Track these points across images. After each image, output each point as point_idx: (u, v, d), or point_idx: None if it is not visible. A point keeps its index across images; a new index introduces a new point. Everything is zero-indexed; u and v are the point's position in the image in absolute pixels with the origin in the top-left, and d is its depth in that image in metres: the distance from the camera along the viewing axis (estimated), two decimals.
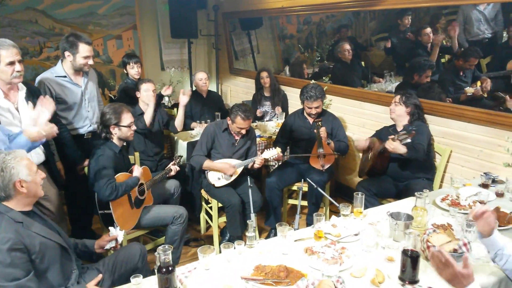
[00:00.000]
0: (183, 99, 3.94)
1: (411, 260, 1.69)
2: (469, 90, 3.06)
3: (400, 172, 3.24)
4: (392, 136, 3.02)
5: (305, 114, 3.73)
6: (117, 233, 2.30)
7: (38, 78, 3.08)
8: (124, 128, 2.87)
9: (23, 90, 2.64)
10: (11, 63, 2.46)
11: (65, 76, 3.10)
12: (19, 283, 1.70)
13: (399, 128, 3.29)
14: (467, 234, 2.01)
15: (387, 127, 3.46)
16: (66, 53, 3.05)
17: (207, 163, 3.37)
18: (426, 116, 3.37)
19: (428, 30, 3.29)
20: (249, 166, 3.41)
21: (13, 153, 1.84)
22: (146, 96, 3.72)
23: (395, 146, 2.97)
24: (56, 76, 3.08)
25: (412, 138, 2.92)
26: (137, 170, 2.89)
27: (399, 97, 3.27)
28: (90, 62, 3.12)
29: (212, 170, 3.40)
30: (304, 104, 3.65)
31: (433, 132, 3.36)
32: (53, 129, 2.34)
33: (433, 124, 3.35)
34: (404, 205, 2.50)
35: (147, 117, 3.66)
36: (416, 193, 2.22)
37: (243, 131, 3.35)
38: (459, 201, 2.45)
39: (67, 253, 1.99)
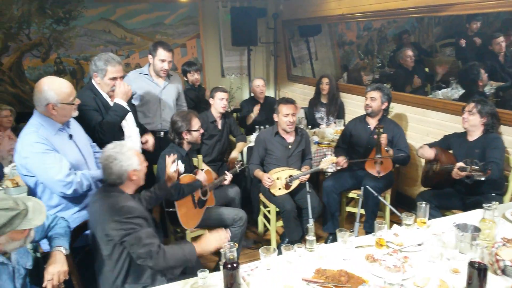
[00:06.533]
0: None
1: (478, 272, 1.64)
2: None
3: (468, 188, 3.00)
4: (462, 166, 2.71)
5: (366, 119, 3.69)
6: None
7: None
8: (194, 132, 3.07)
9: None
10: (114, 79, 2.78)
11: (147, 74, 3.59)
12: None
13: (471, 138, 3.06)
14: None
15: (458, 134, 3.22)
16: (149, 56, 3.55)
17: (255, 173, 3.50)
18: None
19: (501, 39, 3.12)
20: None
21: (120, 146, 2.10)
22: (219, 104, 3.84)
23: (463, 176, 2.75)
24: (140, 73, 3.61)
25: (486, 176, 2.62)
26: (201, 175, 3.04)
27: (474, 105, 2.98)
28: (165, 66, 3.49)
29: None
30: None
31: (506, 143, 3.10)
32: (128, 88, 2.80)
33: (505, 134, 3.17)
34: (471, 217, 2.41)
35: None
36: (484, 205, 2.14)
37: (291, 118, 3.36)
38: None
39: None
